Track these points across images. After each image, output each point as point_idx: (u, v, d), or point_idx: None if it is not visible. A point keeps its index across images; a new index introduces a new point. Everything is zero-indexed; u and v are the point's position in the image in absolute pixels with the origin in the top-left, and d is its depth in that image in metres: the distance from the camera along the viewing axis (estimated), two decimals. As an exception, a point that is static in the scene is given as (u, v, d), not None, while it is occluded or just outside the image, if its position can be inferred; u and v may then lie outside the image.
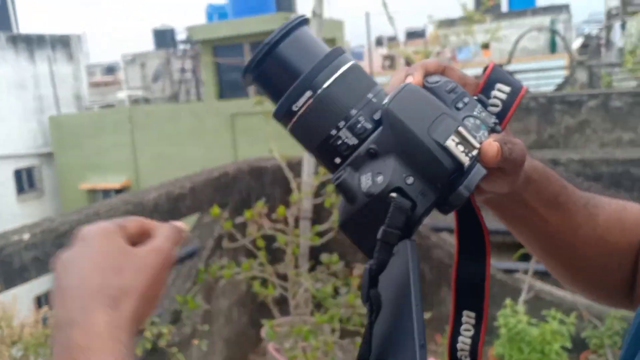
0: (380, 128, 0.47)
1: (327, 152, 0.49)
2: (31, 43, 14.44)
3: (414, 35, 21.48)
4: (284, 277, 3.19)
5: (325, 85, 0.48)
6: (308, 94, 0.48)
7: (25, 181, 13.90)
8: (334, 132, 0.48)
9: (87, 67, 19.08)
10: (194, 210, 3.48)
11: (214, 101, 12.99)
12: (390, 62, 20.06)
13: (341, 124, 0.48)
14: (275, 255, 3.29)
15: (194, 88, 15.17)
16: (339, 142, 0.48)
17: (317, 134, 0.48)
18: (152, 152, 12.79)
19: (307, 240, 3.11)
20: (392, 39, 21.11)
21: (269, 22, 11.96)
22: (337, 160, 0.48)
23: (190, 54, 15.25)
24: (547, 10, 19.43)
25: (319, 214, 3.49)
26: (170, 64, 17.58)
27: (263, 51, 0.49)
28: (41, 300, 12.95)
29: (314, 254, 3.32)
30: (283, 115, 0.49)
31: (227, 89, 13.13)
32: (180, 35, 21.30)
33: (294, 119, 0.49)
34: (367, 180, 0.45)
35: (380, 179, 0.45)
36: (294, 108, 0.48)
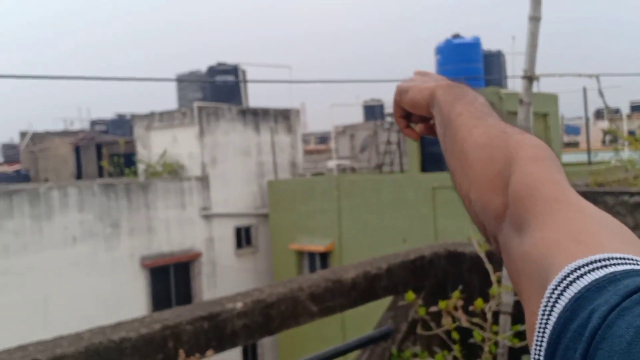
0: None
1: None
2: (257, 115, 16.38)
3: (641, 108, 19.37)
4: (478, 375, 3.01)
5: None
6: None
7: (243, 238, 15.49)
8: None
9: (303, 136, 20.92)
10: (389, 291, 3.50)
11: (416, 173, 13.17)
12: (612, 137, 18.31)
13: None
14: (471, 350, 3.14)
15: (397, 159, 15.61)
16: None
17: None
18: (355, 219, 13.33)
19: (507, 340, 2.91)
20: (616, 112, 19.30)
21: (476, 97, 11.90)
22: None
23: (396, 127, 15.82)
24: None
25: (520, 311, 3.25)
26: (377, 135, 18.40)
27: None
28: (247, 350, 14.00)
29: (514, 354, 3.09)
30: None
31: (429, 162, 13.24)
32: (388, 108, 22.30)
33: None
34: None
35: None
36: None
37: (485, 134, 0.62)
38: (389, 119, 19.97)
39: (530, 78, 3.37)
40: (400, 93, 0.82)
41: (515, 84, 14.67)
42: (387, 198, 12.77)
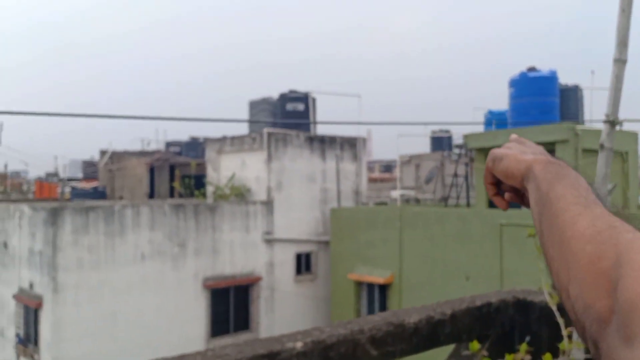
0: None
1: None
2: (324, 143, 16.53)
3: None
4: None
5: None
6: None
7: (303, 264, 15.53)
8: None
9: (367, 163, 20.87)
10: (452, 338, 3.38)
11: (483, 208, 12.81)
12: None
13: None
14: (536, 408, 2.97)
15: (464, 193, 15.27)
16: None
17: None
18: (417, 252, 13.08)
19: (577, 401, 2.73)
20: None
21: (550, 133, 11.50)
22: None
23: (464, 160, 15.53)
24: None
25: (593, 369, 3.05)
26: (444, 167, 18.11)
27: None
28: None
29: (584, 416, 2.89)
30: None
31: (498, 198, 12.81)
32: (456, 139, 21.94)
33: None
34: None
35: None
36: None
37: (592, 226, 0.58)
38: (456, 150, 19.62)
39: (612, 123, 3.20)
40: (494, 160, 0.80)
41: (592, 120, 14.08)
42: (452, 232, 12.47)
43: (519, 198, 0.81)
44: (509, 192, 0.82)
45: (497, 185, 0.83)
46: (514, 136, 0.86)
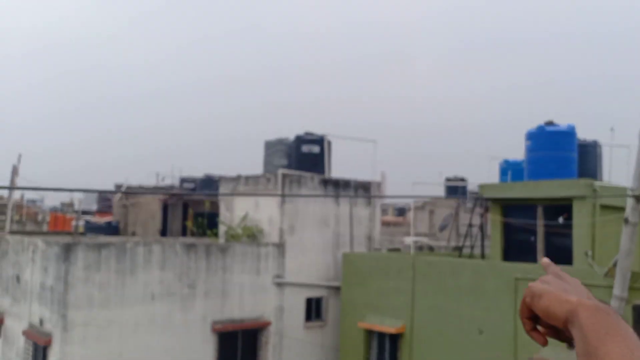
0: None
1: None
2: (338, 186, 16.52)
3: None
4: None
5: None
6: None
7: (313, 310, 15.30)
8: None
9: (381, 205, 20.78)
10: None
11: (497, 261, 12.62)
12: None
13: None
14: None
15: (479, 243, 15.09)
16: None
17: None
18: (429, 302, 12.86)
19: None
20: None
21: (568, 188, 11.41)
22: None
23: (478, 211, 15.40)
24: None
25: None
26: (458, 215, 17.96)
27: None
28: None
29: None
30: None
31: (513, 251, 12.67)
32: (471, 186, 21.84)
33: None
34: None
35: None
36: None
37: None
38: (471, 198, 19.49)
39: (638, 198, 3.16)
40: (533, 296, 0.78)
41: (611, 176, 13.96)
42: (465, 284, 12.27)
43: (556, 334, 0.78)
44: (547, 328, 0.80)
45: (535, 319, 0.81)
46: (546, 260, 0.84)
